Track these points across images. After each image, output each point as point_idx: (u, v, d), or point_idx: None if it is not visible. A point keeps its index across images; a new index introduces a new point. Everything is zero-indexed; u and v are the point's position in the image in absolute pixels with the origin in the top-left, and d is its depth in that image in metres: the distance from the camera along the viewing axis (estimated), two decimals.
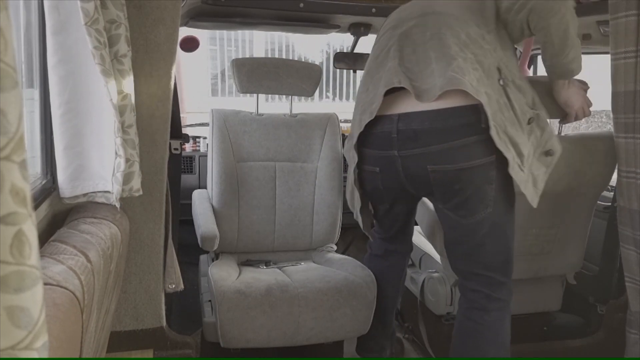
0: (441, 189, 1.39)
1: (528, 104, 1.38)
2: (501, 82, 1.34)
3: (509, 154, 1.29)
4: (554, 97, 1.56)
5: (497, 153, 1.31)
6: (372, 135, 1.47)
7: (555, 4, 1.35)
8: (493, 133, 1.27)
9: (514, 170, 1.31)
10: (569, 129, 4.67)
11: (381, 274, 1.79)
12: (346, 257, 2.02)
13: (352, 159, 1.56)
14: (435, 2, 1.47)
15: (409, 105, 1.37)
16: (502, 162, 1.32)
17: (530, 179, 1.35)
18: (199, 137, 2.99)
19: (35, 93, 1.30)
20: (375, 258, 1.83)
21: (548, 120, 1.46)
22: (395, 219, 1.70)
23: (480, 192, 1.36)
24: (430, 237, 1.94)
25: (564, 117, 1.62)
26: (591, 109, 1.62)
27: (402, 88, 1.38)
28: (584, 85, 1.60)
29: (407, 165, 1.41)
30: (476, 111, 1.30)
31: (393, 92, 1.42)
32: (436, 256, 2.01)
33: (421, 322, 2.00)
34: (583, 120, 1.75)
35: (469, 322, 1.48)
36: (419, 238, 2.19)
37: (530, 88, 1.43)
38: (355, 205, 1.65)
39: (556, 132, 1.80)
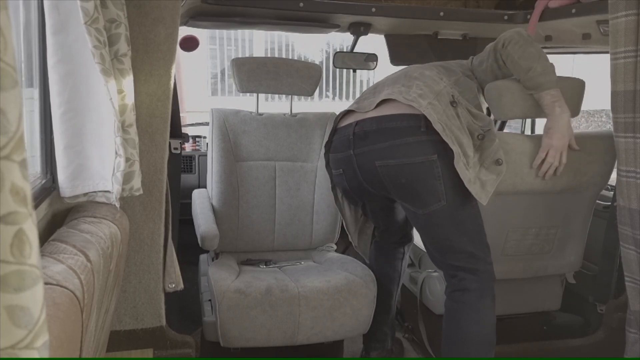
0: (390, 182, 1.56)
1: (480, 126, 1.54)
2: (453, 105, 1.53)
3: (455, 147, 1.45)
4: (546, 118, 1.63)
5: (440, 153, 1.48)
6: (336, 141, 1.72)
7: (507, 34, 1.59)
8: (438, 127, 1.45)
9: (458, 165, 1.46)
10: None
11: (380, 258, 1.91)
12: (346, 256, 2.02)
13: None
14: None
15: (364, 115, 1.62)
16: (447, 161, 1.47)
17: (477, 182, 1.50)
18: (198, 136, 2.99)
19: (35, 92, 1.30)
20: (376, 243, 1.96)
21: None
22: (375, 216, 1.86)
23: (428, 186, 1.51)
24: None
25: (536, 161, 1.64)
26: (591, 108, 1.63)
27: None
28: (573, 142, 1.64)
29: (360, 162, 1.61)
30: (417, 118, 1.50)
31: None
32: None
33: (421, 322, 2.01)
34: (582, 119, 1.74)
35: (452, 303, 1.58)
36: (418, 238, 2.19)
37: (486, 119, 1.57)
38: (350, 227, 1.89)
39: None
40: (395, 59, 2.46)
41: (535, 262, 1.85)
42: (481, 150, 1.53)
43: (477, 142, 1.53)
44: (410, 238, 1.95)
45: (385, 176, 1.56)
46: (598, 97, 2.82)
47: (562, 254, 1.87)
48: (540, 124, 2.87)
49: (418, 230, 1.66)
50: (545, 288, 1.97)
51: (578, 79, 1.67)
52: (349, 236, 1.93)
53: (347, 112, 1.72)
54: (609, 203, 2.06)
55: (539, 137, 1.66)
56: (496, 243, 1.75)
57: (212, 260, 2.02)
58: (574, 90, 1.63)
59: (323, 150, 2.17)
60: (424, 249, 2.15)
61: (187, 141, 2.87)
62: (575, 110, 1.66)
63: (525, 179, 1.65)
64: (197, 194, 2.21)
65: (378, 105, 1.59)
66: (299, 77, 2.13)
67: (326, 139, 2.17)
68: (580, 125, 6.55)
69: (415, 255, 2.20)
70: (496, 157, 1.53)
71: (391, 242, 1.93)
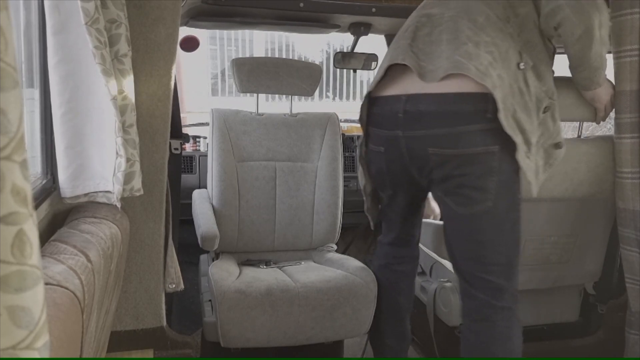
0: (439, 172, 1.37)
1: (546, 93, 1.36)
2: (521, 66, 1.32)
3: (517, 137, 1.27)
4: (581, 93, 1.52)
5: (501, 145, 1.29)
6: (379, 114, 1.47)
7: (583, 24, 1.32)
8: (501, 116, 1.25)
9: (520, 155, 1.29)
10: (569, 128, 4.64)
11: (391, 285, 1.74)
12: (347, 256, 2.02)
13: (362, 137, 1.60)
14: None
15: (417, 87, 1.36)
16: (506, 155, 1.30)
17: (534, 168, 1.34)
18: (199, 136, 3.00)
19: (36, 93, 1.30)
20: (382, 269, 1.77)
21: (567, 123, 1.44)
22: (398, 212, 1.65)
23: (480, 181, 1.32)
24: (437, 250, 1.87)
25: (594, 116, 1.56)
26: None
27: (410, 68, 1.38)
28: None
29: (411, 147, 1.39)
30: (484, 100, 1.27)
31: (404, 72, 1.41)
32: (448, 264, 1.91)
33: (433, 334, 1.93)
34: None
35: (475, 336, 1.42)
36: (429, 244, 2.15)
37: (551, 77, 1.40)
38: (367, 187, 1.65)
39: (576, 135, 1.74)
40: None
41: (553, 272, 1.79)
42: (543, 126, 1.35)
43: (541, 117, 1.35)
44: (418, 259, 1.78)
45: (435, 165, 1.36)
46: None
47: (581, 263, 1.81)
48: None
49: (451, 232, 1.46)
50: (563, 299, 1.92)
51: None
52: (364, 197, 1.70)
53: (390, 71, 1.43)
54: None
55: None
56: None
57: (213, 260, 2.02)
58: None
59: (323, 150, 2.18)
60: (436, 258, 2.07)
61: (188, 141, 2.87)
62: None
63: (545, 186, 1.57)
64: (197, 194, 2.21)
65: (447, 76, 1.30)
66: (299, 77, 2.13)
67: (326, 138, 2.18)
68: (590, 127, 6.52)
69: (426, 263, 2.12)
70: (557, 140, 1.36)
71: (401, 265, 1.74)
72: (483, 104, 1.28)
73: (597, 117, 1.56)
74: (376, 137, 1.50)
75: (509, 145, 1.29)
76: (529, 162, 1.31)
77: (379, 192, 1.65)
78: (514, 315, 1.40)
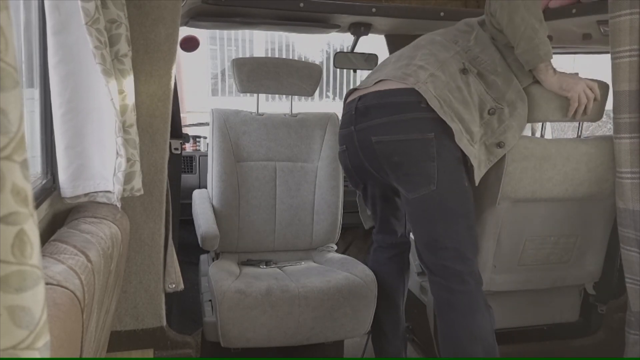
0: (385, 160, 1.51)
1: (495, 99, 1.48)
2: (464, 72, 1.47)
3: (454, 124, 1.40)
4: (548, 89, 1.51)
5: (437, 132, 1.42)
6: (342, 117, 1.68)
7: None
8: (435, 104, 1.39)
9: (462, 142, 1.41)
10: (569, 128, 4.63)
11: (382, 267, 1.83)
12: (346, 256, 2.02)
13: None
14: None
15: (366, 90, 1.57)
16: (446, 142, 1.42)
17: (478, 157, 1.45)
18: (199, 136, 2.99)
19: (36, 93, 1.30)
20: (375, 252, 1.88)
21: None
22: (374, 203, 1.78)
23: (421, 166, 1.44)
24: None
25: (570, 111, 1.51)
26: None
27: None
28: (590, 82, 1.52)
29: (360, 139, 1.56)
30: (416, 93, 1.43)
31: None
32: None
33: (433, 334, 1.92)
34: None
35: (441, 321, 1.50)
36: None
37: (508, 88, 1.49)
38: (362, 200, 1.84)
39: (576, 135, 1.72)
40: None
41: (553, 272, 1.79)
42: (487, 126, 1.47)
43: (486, 117, 1.46)
44: (408, 245, 1.86)
45: (380, 153, 1.50)
46: None
47: (581, 263, 1.81)
48: (551, 127, 2.85)
49: (409, 221, 1.59)
50: (563, 299, 1.92)
51: (602, 82, 1.57)
52: (360, 210, 1.88)
53: (354, 90, 1.66)
54: None
55: (560, 141, 1.60)
56: (513, 252, 1.71)
57: (213, 260, 2.02)
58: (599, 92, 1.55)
59: (323, 150, 2.18)
60: None
61: (188, 141, 2.87)
62: (599, 113, 1.58)
63: (545, 186, 1.58)
64: (197, 194, 2.21)
65: (380, 80, 1.53)
66: (299, 77, 2.13)
67: (326, 138, 2.19)
68: (590, 127, 6.51)
69: None
70: (500, 140, 1.46)
71: (390, 250, 1.84)
72: (415, 96, 1.43)
73: (570, 107, 1.51)
74: (340, 137, 1.69)
75: (448, 134, 1.41)
76: (473, 150, 1.43)
77: (354, 187, 1.81)
78: (477, 299, 1.45)
